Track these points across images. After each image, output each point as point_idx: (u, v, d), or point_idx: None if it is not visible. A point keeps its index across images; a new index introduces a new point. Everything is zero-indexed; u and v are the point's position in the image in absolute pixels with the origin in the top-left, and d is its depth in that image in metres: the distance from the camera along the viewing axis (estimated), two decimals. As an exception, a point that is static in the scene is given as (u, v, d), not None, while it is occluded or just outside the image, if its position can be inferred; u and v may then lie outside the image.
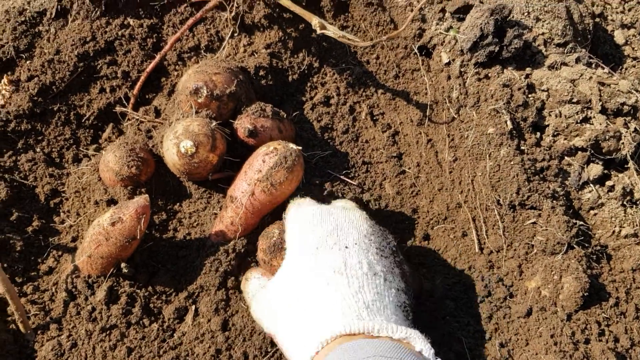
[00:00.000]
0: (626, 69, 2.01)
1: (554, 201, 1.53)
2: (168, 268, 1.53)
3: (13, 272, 1.54)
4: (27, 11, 1.82)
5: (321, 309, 1.18)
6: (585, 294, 1.39)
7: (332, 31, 1.49)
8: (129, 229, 1.38)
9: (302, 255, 1.30)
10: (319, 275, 1.23)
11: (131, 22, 1.82)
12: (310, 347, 1.12)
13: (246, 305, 1.44)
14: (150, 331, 1.42)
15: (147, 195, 1.42)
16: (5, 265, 1.54)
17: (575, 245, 1.48)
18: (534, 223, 1.52)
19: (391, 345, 1.04)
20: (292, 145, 1.49)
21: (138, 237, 1.40)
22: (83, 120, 1.78)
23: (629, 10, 2.17)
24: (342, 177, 1.70)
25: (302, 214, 1.39)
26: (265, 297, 1.33)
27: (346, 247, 1.27)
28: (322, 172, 1.72)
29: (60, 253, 1.59)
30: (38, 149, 1.73)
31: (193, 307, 1.45)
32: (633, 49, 2.07)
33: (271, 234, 1.43)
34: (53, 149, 1.75)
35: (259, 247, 1.46)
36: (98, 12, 1.80)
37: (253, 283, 1.41)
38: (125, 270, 1.47)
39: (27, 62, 1.78)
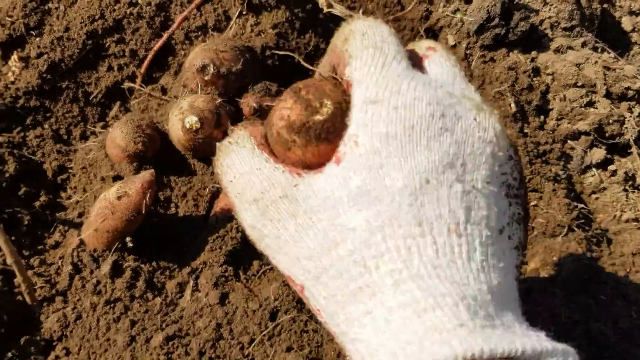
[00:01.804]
0: (633, 55, 2.01)
1: (556, 184, 1.54)
2: (172, 244, 1.55)
3: (21, 245, 1.57)
4: (37, -12, 1.83)
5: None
6: (584, 276, 1.40)
7: (339, 9, 1.49)
8: (134, 203, 1.40)
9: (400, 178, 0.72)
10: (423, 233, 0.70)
11: (139, 1, 1.83)
12: None
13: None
14: (154, 305, 1.44)
15: (152, 170, 1.44)
16: (13, 238, 1.56)
17: (575, 228, 1.49)
18: (535, 205, 1.53)
19: None
20: None
21: (143, 212, 1.42)
22: (91, 98, 1.80)
23: (638, -4, 2.16)
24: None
25: (408, 91, 0.76)
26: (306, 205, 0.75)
27: (473, 189, 0.74)
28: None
29: (66, 228, 1.61)
30: (46, 126, 1.76)
31: (191, 281, 1.47)
32: (640, 35, 2.07)
33: (320, 104, 0.79)
34: (61, 126, 1.77)
35: (280, 117, 0.82)
36: (107, -10, 1.81)
37: (255, 163, 0.82)
38: (130, 245, 1.49)
39: (37, 39, 1.80)
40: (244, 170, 0.81)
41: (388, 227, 0.68)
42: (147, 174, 1.42)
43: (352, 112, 0.75)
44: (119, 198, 1.40)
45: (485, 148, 0.76)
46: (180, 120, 1.47)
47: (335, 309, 0.72)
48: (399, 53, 0.83)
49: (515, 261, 0.77)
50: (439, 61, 0.89)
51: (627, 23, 2.07)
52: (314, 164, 0.78)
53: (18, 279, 1.46)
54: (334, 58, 0.85)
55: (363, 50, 0.80)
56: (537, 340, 0.63)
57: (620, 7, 2.10)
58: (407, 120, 0.73)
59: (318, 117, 0.77)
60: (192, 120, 1.45)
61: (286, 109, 0.79)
